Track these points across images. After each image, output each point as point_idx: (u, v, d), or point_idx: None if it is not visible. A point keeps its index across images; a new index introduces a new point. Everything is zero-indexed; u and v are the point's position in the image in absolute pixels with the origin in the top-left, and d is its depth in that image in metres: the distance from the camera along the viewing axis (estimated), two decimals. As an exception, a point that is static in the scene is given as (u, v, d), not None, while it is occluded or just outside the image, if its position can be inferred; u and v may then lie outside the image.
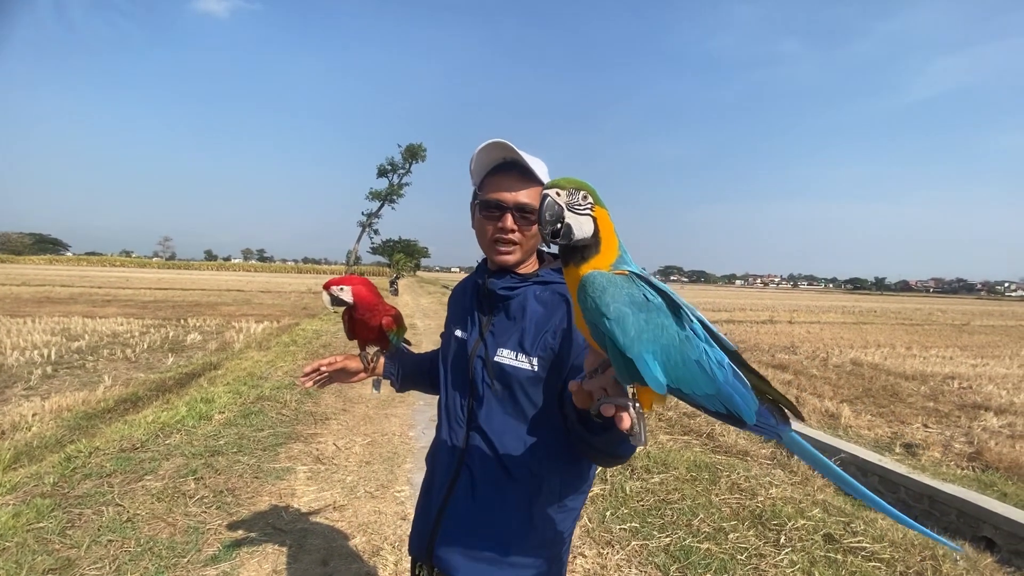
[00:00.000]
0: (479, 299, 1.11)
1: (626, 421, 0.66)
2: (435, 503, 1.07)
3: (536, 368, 0.98)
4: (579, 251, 0.72)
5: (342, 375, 1.33)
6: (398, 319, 1.39)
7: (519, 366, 0.99)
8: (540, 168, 1.03)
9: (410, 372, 1.40)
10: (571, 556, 2.45)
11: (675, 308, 0.68)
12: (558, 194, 0.71)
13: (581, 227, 0.71)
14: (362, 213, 25.22)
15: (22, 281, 25.62)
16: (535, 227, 1.03)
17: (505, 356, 1.01)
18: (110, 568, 2.19)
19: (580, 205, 0.71)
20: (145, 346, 9.49)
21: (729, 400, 0.66)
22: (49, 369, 7.51)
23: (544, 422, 1.00)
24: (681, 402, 5.03)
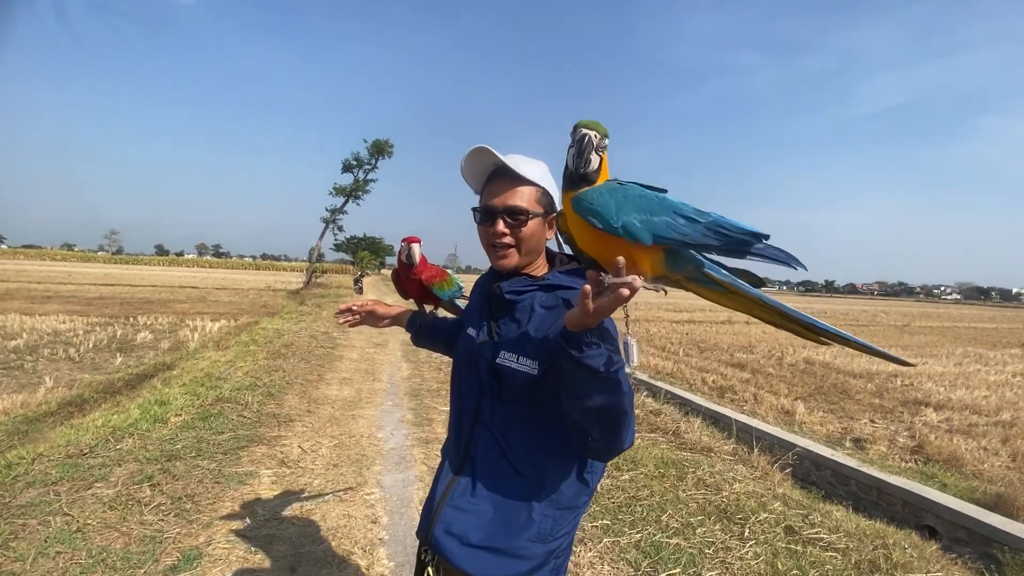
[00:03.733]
0: (488, 301, 1.15)
1: (636, 282, 0.74)
2: (440, 489, 1.12)
3: (537, 371, 1.00)
4: (583, 180, 0.91)
5: (371, 319, 1.52)
6: (441, 274, 1.56)
7: (520, 369, 1.01)
8: (534, 168, 1.07)
9: (429, 331, 1.51)
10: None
11: (648, 187, 0.87)
12: (595, 136, 0.89)
13: (593, 163, 0.90)
14: (326, 209, 24.53)
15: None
16: (530, 227, 1.08)
17: (508, 359, 1.03)
18: (58, 583, 2.06)
19: (602, 147, 0.91)
20: (91, 345, 8.96)
21: (726, 224, 0.82)
22: (-19, 371, 7.00)
23: (547, 421, 1.02)
24: (649, 400, 5.09)
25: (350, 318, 1.51)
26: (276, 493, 3.03)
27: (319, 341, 8.80)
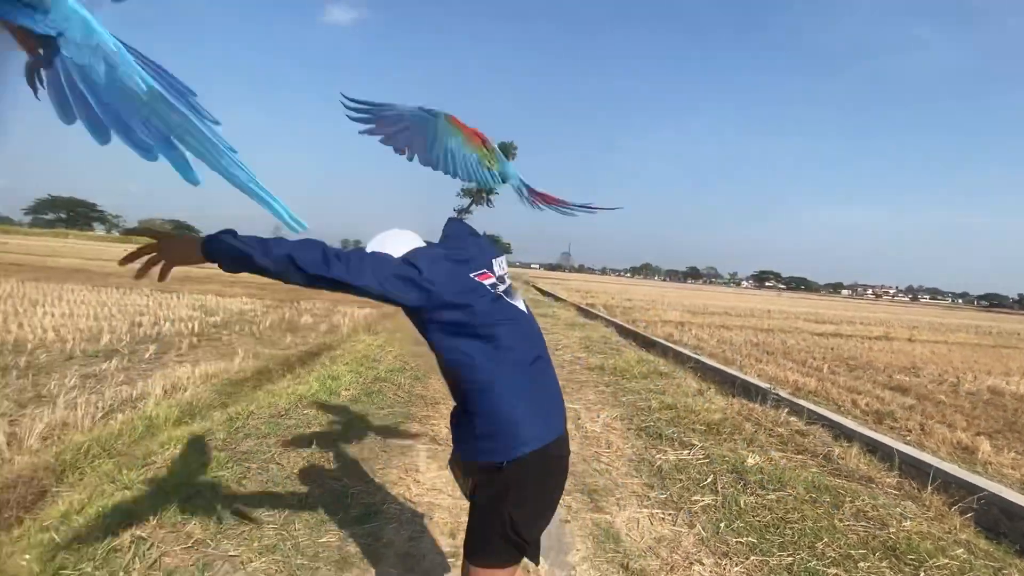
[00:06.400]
0: None
1: None
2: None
3: None
4: None
5: None
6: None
7: None
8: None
9: None
10: (687, 562, 2.47)
11: None
12: None
13: None
14: (454, 209, 26.23)
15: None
16: None
17: None
18: (280, 519, 2.55)
19: None
20: (267, 324, 10.55)
21: None
22: (194, 340, 8.61)
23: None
24: (792, 418, 4.72)
25: None
26: (432, 466, 3.40)
27: (450, 332, 9.47)
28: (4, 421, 4.07)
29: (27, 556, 1.91)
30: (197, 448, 3.17)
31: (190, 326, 9.58)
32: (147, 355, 7.03)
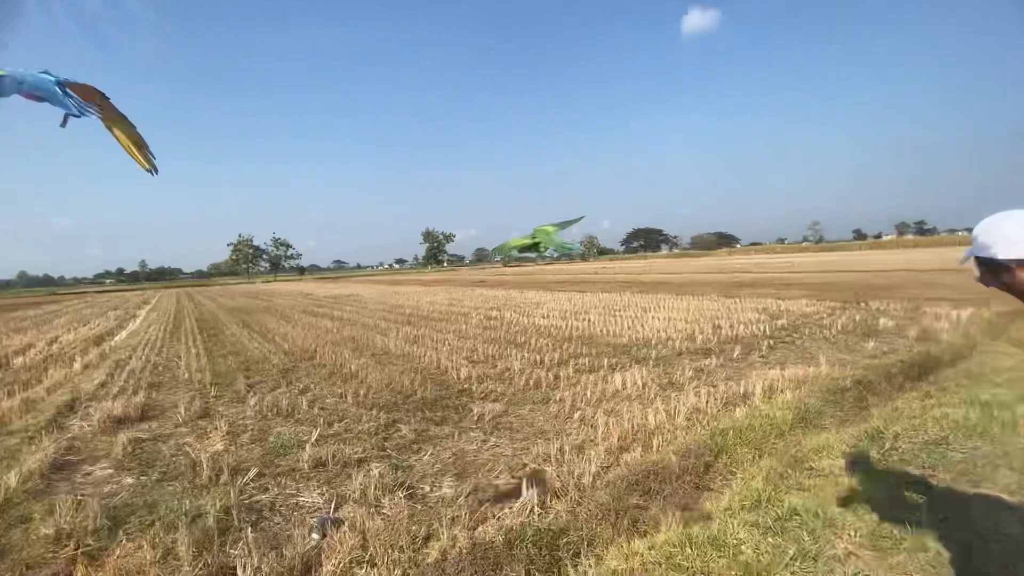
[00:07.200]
0: None
1: None
2: None
3: None
4: None
5: None
6: None
7: None
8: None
9: None
10: None
11: None
12: None
13: None
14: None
15: (717, 269, 33.24)
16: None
17: None
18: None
19: None
20: (838, 328, 9.66)
21: None
22: (769, 342, 8.84)
23: None
24: None
25: None
26: None
27: None
28: (659, 400, 5.34)
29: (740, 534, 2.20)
30: (859, 465, 3.00)
31: (761, 328, 10.01)
32: (734, 355, 7.78)
